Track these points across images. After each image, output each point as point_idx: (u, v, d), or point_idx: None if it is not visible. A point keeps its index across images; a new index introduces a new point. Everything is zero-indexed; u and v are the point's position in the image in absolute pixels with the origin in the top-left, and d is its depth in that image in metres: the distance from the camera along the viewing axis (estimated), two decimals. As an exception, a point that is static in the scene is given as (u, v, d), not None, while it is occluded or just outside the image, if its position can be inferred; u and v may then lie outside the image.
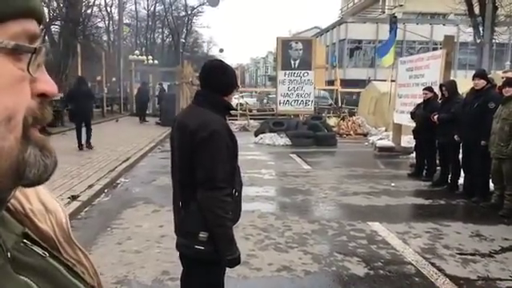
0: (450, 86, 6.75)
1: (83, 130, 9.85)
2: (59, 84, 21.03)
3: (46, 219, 0.56)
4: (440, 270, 3.73)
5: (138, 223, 4.90)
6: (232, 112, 14.83)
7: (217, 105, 2.02)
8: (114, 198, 6.19)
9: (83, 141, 9.83)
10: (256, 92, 30.22)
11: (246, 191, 6.48)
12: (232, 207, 1.97)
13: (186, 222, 2.02)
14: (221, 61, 2.26)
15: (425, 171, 7.55)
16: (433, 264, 3.85)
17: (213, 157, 1.91)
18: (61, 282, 0.50)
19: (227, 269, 3.66)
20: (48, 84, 0.45)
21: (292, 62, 13.38)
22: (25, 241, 0.50)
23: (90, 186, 6.29)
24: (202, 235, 1.91)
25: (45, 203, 0.57)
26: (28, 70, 0.43)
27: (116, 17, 26.84)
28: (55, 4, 23.99)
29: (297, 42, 13.65)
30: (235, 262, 2.01)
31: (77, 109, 10.35)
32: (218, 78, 2.02)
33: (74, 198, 5.56)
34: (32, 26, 0.43)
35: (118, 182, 7.13)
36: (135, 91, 21.24)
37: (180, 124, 2.05)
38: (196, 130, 1.93)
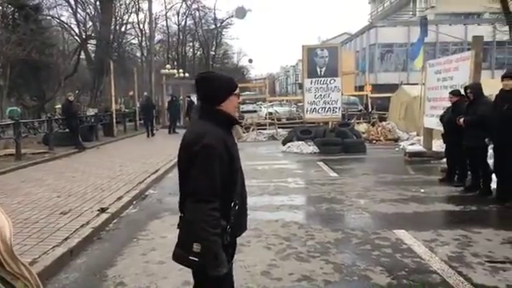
0: (475, 89, 6.54)
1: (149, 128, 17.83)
2: (95, 99, 21.88)
3: None
4: (467, 278, 3.59)
5: (163, 234, 4.99)
6: (261, 121, 14.75)
7: (213, 116, 2.05)
8: (141, 209, 6.35)
9: (150, 134, 17.67)
10: (285, 101, 30.23)
11: (271, 200, 6.55)
12: (217, 222, 1.93)
13: (183, 232, 2.06)
14: (209, 72, 2.31)
15: (456, 176, 7.31)
16: (459, 273, 3.71)
17: (201, 170, 1.93)
18: None
19: (247, 278, 3.72)
20: None
21: (318, 70, 13.32)
22: None
23: (119, 198, 6.48)
24: (196, 247, 1.92)
25: None
26: None
27: (149, 33, 27.63)
28: (90, 23, 25.09)
29: (322, 50, 13.59)
30: (218, 278, 1.94)
31: (145, 115, 18.51)
32: (206, 88, 2.08)
33: (103, 210, 5.74)
34: None
35: (147, 193, 7.31)
36: (166, 104, 21.94)
37: (183, 137, 2.12)
38: (190, 144, 1.99)
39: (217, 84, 2.08)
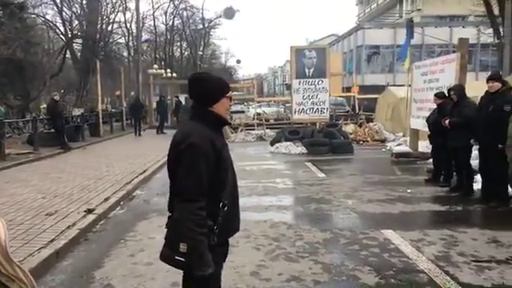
0: (458, 90, 6.65)
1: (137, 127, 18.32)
2: (81, 99, 21.61)
3: None
4: (453, 278, 3.63)
5: (151, 235, 4.95)
6: (249, 122, 14.73)
7: (204, 117, 2.05)
8: (129, 210, 6.29)
9: (137, 133, 18.14)
10: (273, 101, 30.28)
11: (260, 201, 6.55)
12: (204, 222, 1.92)
13: (170, 232, 2.05)
14: (203, 72, 2.30)
15: (442, 177, 7.41)
16: (446, 272, 3.75)
17: (187, 169, 1.93)
18: None
19: (236, 279, 3.71)
20: None
21: (306, 71, 13.39)
22: None
23: (106, 199, 6.41)
24: (183, 247, 1.91)
25: None
26: None
27: (136, 33, 27.39)
28: (76, 22, 24.76)
29: (310, 51, 13.67)
30: (204, 279, 1.93)
31: (133, 114, 18.86)
32: (199, 89, 2.07)
33: (89, 211, 5.67)
34: None
35: (134, 194, 7.25)
36: (154, 105, 21.82)
37: (173, 136, 2.11)
38: (178, 143, 1.99)
39: (209, 85, 2.07)
